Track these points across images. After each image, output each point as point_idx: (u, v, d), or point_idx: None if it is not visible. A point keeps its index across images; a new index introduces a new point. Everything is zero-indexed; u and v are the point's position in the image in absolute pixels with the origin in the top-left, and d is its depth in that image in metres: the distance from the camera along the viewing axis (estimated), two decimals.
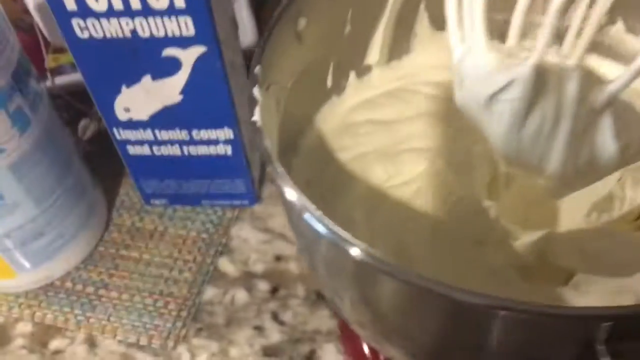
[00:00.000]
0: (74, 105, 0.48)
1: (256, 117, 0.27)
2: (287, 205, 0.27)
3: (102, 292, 0.44)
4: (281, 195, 0.25)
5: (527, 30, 0.26)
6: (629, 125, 0.23)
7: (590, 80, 0.23)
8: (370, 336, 0.33)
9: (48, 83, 0.46)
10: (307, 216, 0.24)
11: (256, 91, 0.27)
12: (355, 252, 0.23)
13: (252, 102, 0.27)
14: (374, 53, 0.39)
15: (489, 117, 0.24)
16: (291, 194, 0.25)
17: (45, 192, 0.40)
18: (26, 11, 0.46)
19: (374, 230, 0.34)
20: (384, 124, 0.38)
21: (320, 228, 0.24)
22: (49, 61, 0.46)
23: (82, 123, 0.48)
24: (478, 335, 0.25)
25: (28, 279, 0.44)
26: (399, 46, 0.39)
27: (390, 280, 0.24)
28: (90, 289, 0.44)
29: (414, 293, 0.24)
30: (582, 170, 0.25)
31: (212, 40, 0.36)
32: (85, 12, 0.35)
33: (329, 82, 0.38)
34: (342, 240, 0.23)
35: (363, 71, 0.39)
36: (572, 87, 0.23)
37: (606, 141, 0.23)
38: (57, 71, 0.48)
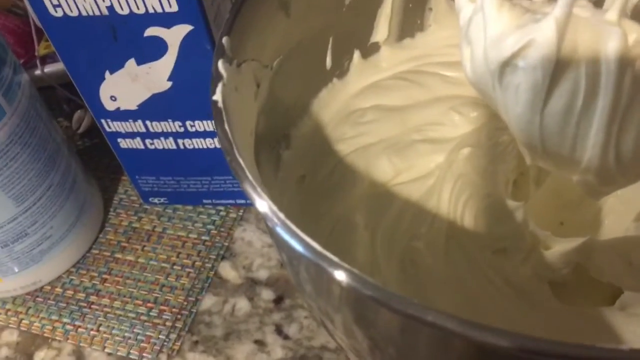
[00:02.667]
0: (69, 96, 0.44)
1: (217, 95, 0.21)
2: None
3: (93, 298, 0.41)
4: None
5: None
6: None
7: (635, 39, 0.17)
8: None
9: (38, 71, 0.43)
10: (279, 230, 0.19)
11: (221, 65, 0.22)
12: (340, 276, 0.18)
13: (216, 78, 0.22)
14: (382, 29, 0.33)
15: (504, 93, 0.19)
16: (260, 203, 0.19)
17: (26, 190, 0.37)
18: None
19: (378, 236, 0.29)
20: (393, 111, 0.32)
21: (296, 245, 0.19)
22: (41, 48, 0.43)
23: (77, 115, 0.45)
24: None
25: (15, 283, 0.41)
26: (411, 22, 0.34)
27: (387, 311, 0.18)
28: (80, 295, 0.41)
29: (416, 326, 0.19)
30: (627, 160, 0.19)
31: (199, 18, 0.32)
32: None
33: (329, 63, 0.33)
34: (325, 261, 0.18)
35: (369, 50, 0.34)
36: (611, 49, 0.17)
37: None
38: (50, 58, 0.45)
